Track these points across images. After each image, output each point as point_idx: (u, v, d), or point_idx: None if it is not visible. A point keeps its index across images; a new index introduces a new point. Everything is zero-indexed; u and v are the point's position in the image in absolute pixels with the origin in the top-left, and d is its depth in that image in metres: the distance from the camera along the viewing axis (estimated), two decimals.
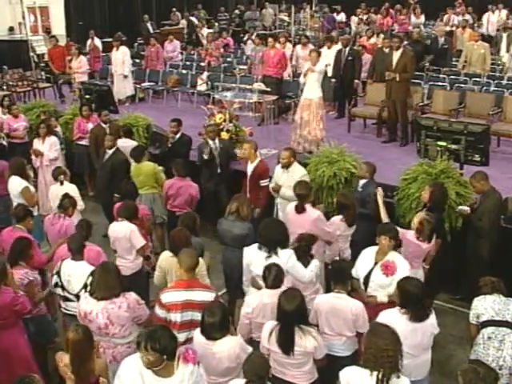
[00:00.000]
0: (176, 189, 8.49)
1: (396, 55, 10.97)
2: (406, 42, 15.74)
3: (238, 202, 7.00)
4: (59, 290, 6.15)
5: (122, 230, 7.03)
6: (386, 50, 11.79)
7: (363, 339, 4.58)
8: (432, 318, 5.23)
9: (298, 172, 7.98)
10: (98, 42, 18.00)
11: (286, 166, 8.02)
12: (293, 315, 4.99)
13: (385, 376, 4.28)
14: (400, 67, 10.88)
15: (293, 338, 4.97)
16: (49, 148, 10.11)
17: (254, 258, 6.16)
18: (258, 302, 5.51)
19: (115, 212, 7.49)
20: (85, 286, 5.94)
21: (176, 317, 5.33)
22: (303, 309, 5.08)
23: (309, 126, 10.61)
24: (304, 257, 6.18)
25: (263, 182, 8.43)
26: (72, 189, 8.30)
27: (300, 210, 7.02)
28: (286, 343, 4.98)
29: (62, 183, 8.33)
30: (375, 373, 4.31)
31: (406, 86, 11.11)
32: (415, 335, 5.10)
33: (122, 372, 4.42)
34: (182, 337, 5.20)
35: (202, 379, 4.46)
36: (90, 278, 5.87)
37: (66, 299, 6.14)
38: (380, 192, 7.18)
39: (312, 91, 10.63)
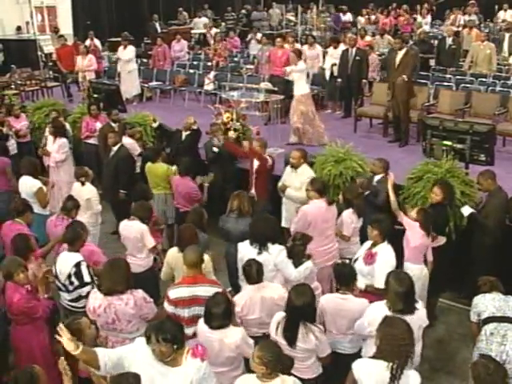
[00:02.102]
0: (176, 186, 8.63)
1: (399, 55, 11.01)
2: (411, 42, 15.78)
3: (238, 199, 7.11)
4: (55, 280, 6.28)
5: (133, 230, 7.08)
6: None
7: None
8: (420, 312, 5.23)
9: (306, 173, 8.02)
10: (97, 42, 18.07)
11: (295, 167, 8.07)
12: (299, 311, 5.05)
13: (399, 366, 4.32)
14: (402, 67, 10.91)
15: (296, 332, 5.04)
16: (57, 149, 10.10)
17: (246, 254, 6.23)
18: (245, 299, 5.60)
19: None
20: (69, 276, 6.08)
21: (184, 312, 5.44)
22: (311, 305, 5.13)
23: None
24: (297, 256, 6.25)
25: (256, 164, 8.47)
26: (90, 190, 8.39)
27: (331, 201, 7.22)
28: (291, 336, 5.05)
29: (83, 184, 8.38)
30: (389, 364, 4.34)
31: (409, 85, 11.13)
32: None
33: (130, 350, 4.52)
34: (189, 331, 5.29)
35: (211, 377, 4.50)
36: (74, 269, 6.04)
37: (59, 289, 6.28)
38: (391, 178, 7.27)
39: (295, 88, 11.11)
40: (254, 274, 5.60)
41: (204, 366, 4.40)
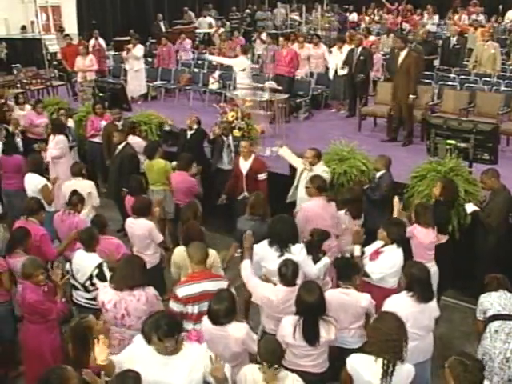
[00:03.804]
0: (175, 182, 8.68)
1: (401, 56, 11.04)
2: (414, 43, 15.76)
3: (257, 201, 7.09)
4: (70, 278, 6.32)
5: (140, 228, 7.13)
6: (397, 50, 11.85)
7: (368, 327, 4.72)
8: (434, 302, 5.42)
9: (319, 170, 8.00)
10: (102, 41, 18.11)
11: (311, 165, 8.06)
12: (315, 307, 5.10)
13: (390, 362, 4.39)
14: (404, 68, 10.96)
15: (318, 329, 5.08)
16: (54, 145, 10.09)
17: (266, 255, 6.20)
18: (270, 297, 5.60)
19: (130, 208, 7.62)
20: (90, 277, 6.12)
21: (193, 309, 5.44)
22: (323, 300, 5.18)
23: None
24: (315, 252, 6.26)
25: (261, 177, 8.54)
26: (90, 184, 8.47)
27: (331, 198, 7.25)
28: (312, 335, 5.08)
29: (83, 177, 8.47)
30: (380, 359, 4.42)
31: (412, 86, 11.12)
32: (423, 316, 5.27)
33: (130, 350, 4.59)
34: (199, 327, 5.30)
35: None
36: (97, 270, 6.08)
37: (75, 288, 6.32)
38: (396, 201, 7.20)
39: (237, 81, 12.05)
40: (290, 274, 5.52)
41: (204, 348, 4.47)
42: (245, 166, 8.60)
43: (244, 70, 12.15)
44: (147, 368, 4.32)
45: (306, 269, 6.14)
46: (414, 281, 5.29)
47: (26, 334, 5.92)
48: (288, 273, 5.52)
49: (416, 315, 5.20)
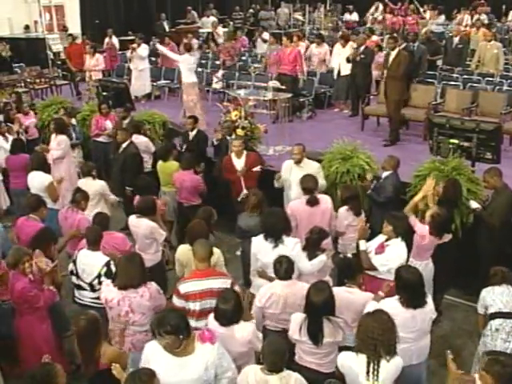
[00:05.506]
0: (180, 182, 8.70)
1: (392, 55, 11.19)
2: (418, 43, 15.76)
3: (257, 196, 7.19)
4: (74, 278, 6.33)
5: (142, 228, 7.12)
6: None
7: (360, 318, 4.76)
8: (430, 304, 5.33)
9: (311, 166, 8.14)
10: (115, 40, 18.16)
11: (299, 161, 8.14)
12: (320, 307, 5.10)
13: (373, 359, 4.43)
14: (394, 67, 11.06)
15: (322, 329, 5.09)
16: (56, 146, 10.09)
17: (262, 248, 6.32)
18: (271, 293, 5.63)
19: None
20: (98, 276, 6.12)
21: (195, 305, 5.46)
22: (331, 301, 5.17)
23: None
24: (312, 249, 6.32)
25: (256, 168, 8.64)
26: (102, 184, 8.50)
27: (314, 202, 7.23)
28: (316, 334, 5.09)
29: (94, 178, 8.49)
30: (361, 355, 4.46)
31: (400, 85, 11.22)
32: (415, 321, 5.20)
33: (144, 357, 4.60)
34: (200, 324, 5.31)
35: (225, 357, 4.58)
36: (105, 269, 6.08)
37: (80, 288, 6.31)
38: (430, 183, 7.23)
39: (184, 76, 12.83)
40: (283, 271, 5.60)
41: (216, 348, 4.48)
42: (239, 163, 8.65)
43: (188, 67, 12.67)
44: (162, 369, 4.34)
45: (300, 264, 6.21)
46: (404, 286, 5.23)
47: (19, 327, 6.00)
48: (282, 268, 5.62)
49: (406, 320, 5.11)
